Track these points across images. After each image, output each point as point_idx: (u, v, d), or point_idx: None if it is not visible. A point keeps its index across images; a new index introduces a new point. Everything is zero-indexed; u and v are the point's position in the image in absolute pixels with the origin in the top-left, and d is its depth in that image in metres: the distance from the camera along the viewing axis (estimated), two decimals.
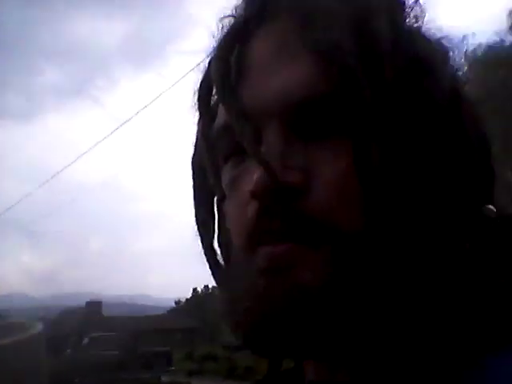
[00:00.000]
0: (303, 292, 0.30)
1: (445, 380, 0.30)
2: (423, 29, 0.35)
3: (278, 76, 0.32)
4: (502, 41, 11.32)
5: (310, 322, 0.30)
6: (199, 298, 36.51)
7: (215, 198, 0.40)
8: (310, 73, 0.31)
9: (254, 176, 0.31)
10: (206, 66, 0.37)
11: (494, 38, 11.46)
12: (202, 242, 0.40)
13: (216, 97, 0.36)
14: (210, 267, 0.40)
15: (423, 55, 0.33)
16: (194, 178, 0.41)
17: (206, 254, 0.40)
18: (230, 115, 0.33)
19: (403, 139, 0.32)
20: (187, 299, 38.27)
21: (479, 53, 11.14)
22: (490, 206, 0.34)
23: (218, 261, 0.40)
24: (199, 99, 0.37)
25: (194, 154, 0.41)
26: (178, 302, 39.78)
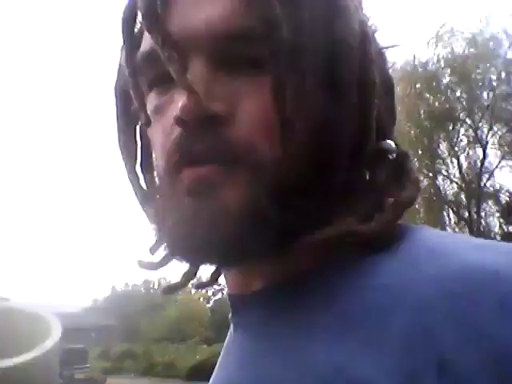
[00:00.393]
0: (226, 211, 0.32)
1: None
2: None
3: (204, 8, 0.34)
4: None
5: (231, 239, 0.32)
6: (118, 296, 35.26)
7: (138, 124, 0.42)
8: (234, 8, 0.33)
9: (179, 102, 0.32)
10: None
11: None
12: (125, 167, 0.42)
13: (141, 24, 0.37)
14: (134, 190, 0.42)
15: (338, 3, 0.36)
16: (116, 105, 0.42)
17: (129, 179, 0.42)
18: (157, 41, 0.34)
19: (316, 73, 0.34)
20: (105, 297, 36.79)
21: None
22: (390, 142, 0.38)
23: (140, 184, 0.42)
24: (124, 25, 0.38)
25: (116, 80, 0.42)
26: (95, 301, 38.18)
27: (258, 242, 0.33)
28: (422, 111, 13.29)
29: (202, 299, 33.16)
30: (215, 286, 35.65)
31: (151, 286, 36.34)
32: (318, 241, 0.34)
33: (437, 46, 13.20)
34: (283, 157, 0.33)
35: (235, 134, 0.33)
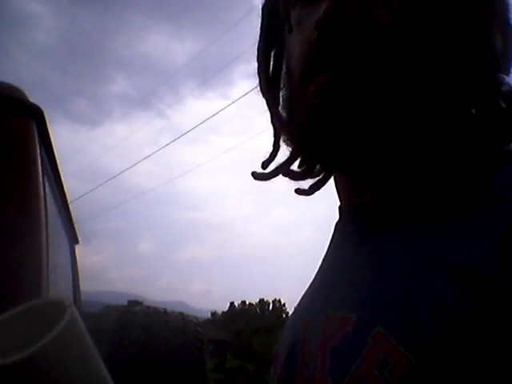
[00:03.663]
0: (350, 115, 0.35)
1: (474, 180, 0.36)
2: None
3: None
4: None
5: (352, 141, 0.36)
6: (235, 313, 36.58)
7: (283, 33, 0.44)
8: None
9: (322, 7, 0.35)
10: None
11: None
12: (259, 81, 0.46)
13: None
14: (262, 91, 0.47)
15: None
16: (262, 20, 0.46)
17: (261, 88, 0.47)
18: None
19: None
20: (223, 312, 38.44)
21: None
22: (504, 76, 0.38)
23: (271, 84, 0.46)
24: None
25: (264, 2, 0.46)
26: (213, 314, 39.98)
27: (379, 148, 0.36)
28: None
29: None
30: None
31: (266, 307, 37.03)
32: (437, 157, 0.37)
33: None
34: (409, 66, 0.35)
35: (372, 36, 0.35)
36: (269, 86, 0.46)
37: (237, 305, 38.29)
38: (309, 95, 0.37)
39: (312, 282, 0.48)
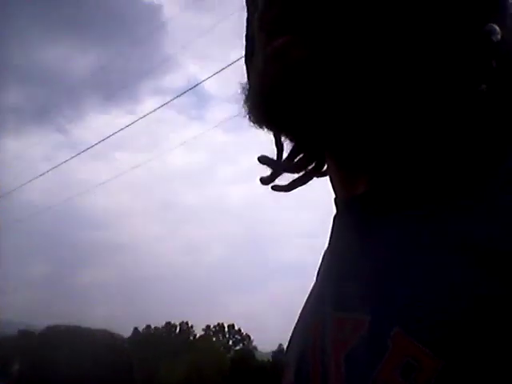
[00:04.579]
0: (298, 67, 0.32)
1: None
2: None
3: None
4: None
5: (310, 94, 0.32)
6: (139, 338, 35.02)
7: None
8: None
9: None
10: None
11: None
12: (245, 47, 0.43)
13: None
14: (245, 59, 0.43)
15: None
16: None
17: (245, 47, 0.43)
18: None
19: None
20: (127, 338, 36.58)
21: None
22: (494, 25, 0.32)
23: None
24: None
25: None
26: None
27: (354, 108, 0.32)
28: None
29: (222, 348, 32.52)
30: (236, 336, 34.72)
31: (173, 329, 36.05)
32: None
33: None
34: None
35: None
36: (248, 54, 0.43)
37: (141, 330, 36.73)
38: (267, 60, 0.34)
39: (316, 282, 0.45)
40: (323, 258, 0.45)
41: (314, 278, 0.46)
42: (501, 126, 0.33)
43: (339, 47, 0.32)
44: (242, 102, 0.38)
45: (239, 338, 34.72)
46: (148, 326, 36.80)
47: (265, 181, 0.44)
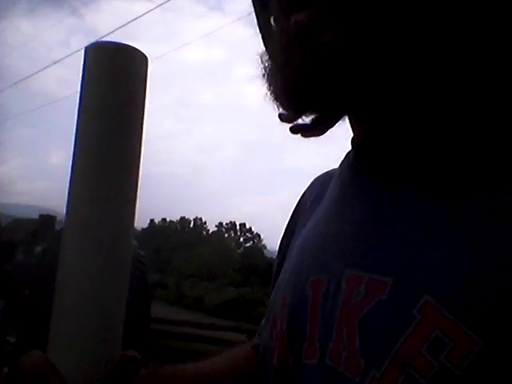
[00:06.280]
0: (328, 49, 0.29)
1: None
2: None
3: None
4: None
5: (341, 74, 0.29)
6: (155, 230, 36.77)
7: None
8: None
9: None
10: None
11: None
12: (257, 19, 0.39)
13: None
14: (258, 25, 0.39)
15: None
16: None
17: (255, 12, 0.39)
18: None
19: None
20: (143, 229, 38.50)
21: None
22: None
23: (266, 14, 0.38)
24: None
25: None
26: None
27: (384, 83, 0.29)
28: None
29: (233, 244, 34.10)
30: (247, 234, 36.29)
31: (187, 224, 37.61)
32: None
33: None
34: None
35: None
36: (263, 18, 0.37)
37: (157, 222, 38.42)
38: (287, 45, 0.31)
39: (310, 232, 0.39)
40: (326, 199, 0.40)
41: (308, 222, 0.41)
42: None
43: (372, 31, 0.29)
44: (264, 82, 0.35)
45: (250, 236, 36.18)
46: (163, 220, 38.49)
47: (284, 119, 0.38)
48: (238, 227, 36.50)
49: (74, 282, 0.34)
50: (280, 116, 0.37)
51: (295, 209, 0.49)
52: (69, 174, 0.36)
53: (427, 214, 0.29)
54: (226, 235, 36.25)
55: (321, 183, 0.46)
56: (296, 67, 0.30)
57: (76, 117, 0.38)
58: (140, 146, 0.38)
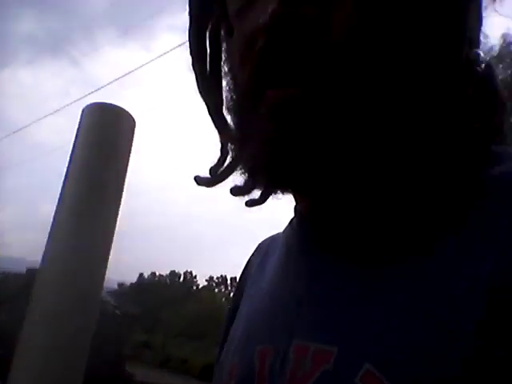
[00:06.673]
0: (315, 136, 0.29)
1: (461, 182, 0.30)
2: None
3: None
4: None
5: (322, 161, 0.29)
6: (144, 284, 36.09)
7: (208, 29, 0.38)
8: None
9: (269, 6, 0.28)
10: None
11: None
12: (196, 78, 0.39)
13: None
14: (199, 92, 0.39)
15: None
16: (190, 8, 0.39)
17: (198, 86, 0.39)
18: None
19: None
20: (132, 283, 37.75)
21: None
22: (480, 52, 0.34)
23: (212, 94, 0.38)
24: None
25: None
26: (121, 285, 39.20)
27: (353, 166, 0.30)
28: None
29: (224, 299, 33.47)
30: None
31: (177, 278, 37.01)
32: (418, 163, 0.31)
33: None
34: (375, 69, 0.29)
35: (329, 40, 0.29)
36: (207, 88, 0.39)
37: (146, 276, 37.76)
38: (261, 119, 0.31)
39: (256, 297, 0.40)
40: (273, 265, 0.41)
41: (253, 289, 0.42)
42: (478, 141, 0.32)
43: (352, 117, 0.29)
44: (232, 159, 0.37)
45: None
46: (153, 273, 37.84)
47: (201, 182, 0.41)
48: (228, 281, 35.96)
49: (38, 333, 0.34)
50: (232, 190, 0.38)
51: (243, 271, 0.49)
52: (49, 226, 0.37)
53: (366, 279, 0.30)
54: (217, 290, 35.63)
55: (266, 247, 0.47)
56: (279, 150, 0.30)
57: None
58: (118, 207, 0.39)
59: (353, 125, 0.29)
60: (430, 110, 0.31)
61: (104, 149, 0.40)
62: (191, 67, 0.39)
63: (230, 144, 0.39)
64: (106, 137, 0.40)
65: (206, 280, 36.44)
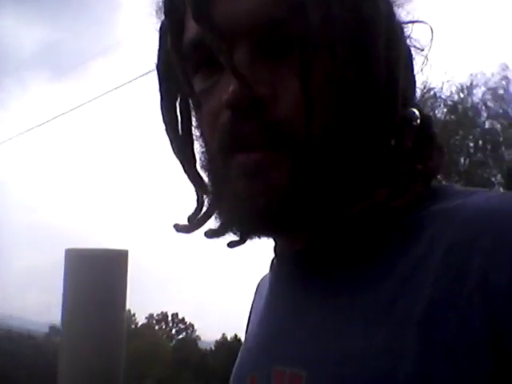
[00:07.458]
0: (276, 190, 0.35)
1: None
2: None
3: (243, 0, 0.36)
4: None
5: (283, 213, 0.36)
6: None
7: (178, 102, 0.43)
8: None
9: (229, 87, 0.35)
10: None
11: None
12: (170, 142, 0.44)
13: (188, 12, 0.38)
14: (174, 151, 0.44)
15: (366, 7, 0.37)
16: (160, 84, 0.44)
17: (173, 148, 0.44)
18: (205, 31, 0.36)
19: (345, 53, 0.36)
20: None
21: None
22: (413, 109, 0.40)
23: (187, 155, 0.43)
24: (168, 12, 0.40)
25: (158, 62, 0.43)
26: (52, 328, 36.48)
27: (305, 214, 0.37)
28: None
29: (165, 337, 32.28)
30: (180, 325, 34.44)
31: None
32: (353, 212, 0.38)
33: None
34: (317, 135, 0.35)
35: (279, 115, 0.35)
36: (181, 147, 0.44)
37: None
38: (233, 179, 0.37)
39: (253, 330, 0.47)
40: (264, 304, 0.47)
41: (251, 323, 0.49)
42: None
43: (319, 177, 0.36)
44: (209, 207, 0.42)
45: (183, 326, 34.56)
46: None
47: (180, 229, 0.45)
48: (169, 318, 34.84)
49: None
50: (206, 233, 0.43)
51: (251, 305, 0.56)
52: None
53: (331, 312, 0.36)
54: (157, 327, 34.34)
55: (261, 287, 0.53)
56: (252, 202, 0.36)
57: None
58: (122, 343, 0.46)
59: (303, 177, 0.36)
60: (363, 164, 0.38)
61: (98, 293, 0.42)
62: (165, 132, 0.44)
63: (205, 196, 0.44)
64: (97, 285, 0.42)
65: (146, 318, 35.05)
